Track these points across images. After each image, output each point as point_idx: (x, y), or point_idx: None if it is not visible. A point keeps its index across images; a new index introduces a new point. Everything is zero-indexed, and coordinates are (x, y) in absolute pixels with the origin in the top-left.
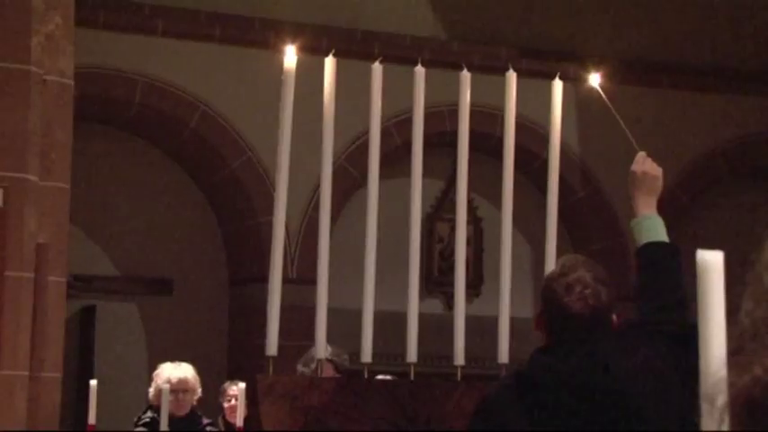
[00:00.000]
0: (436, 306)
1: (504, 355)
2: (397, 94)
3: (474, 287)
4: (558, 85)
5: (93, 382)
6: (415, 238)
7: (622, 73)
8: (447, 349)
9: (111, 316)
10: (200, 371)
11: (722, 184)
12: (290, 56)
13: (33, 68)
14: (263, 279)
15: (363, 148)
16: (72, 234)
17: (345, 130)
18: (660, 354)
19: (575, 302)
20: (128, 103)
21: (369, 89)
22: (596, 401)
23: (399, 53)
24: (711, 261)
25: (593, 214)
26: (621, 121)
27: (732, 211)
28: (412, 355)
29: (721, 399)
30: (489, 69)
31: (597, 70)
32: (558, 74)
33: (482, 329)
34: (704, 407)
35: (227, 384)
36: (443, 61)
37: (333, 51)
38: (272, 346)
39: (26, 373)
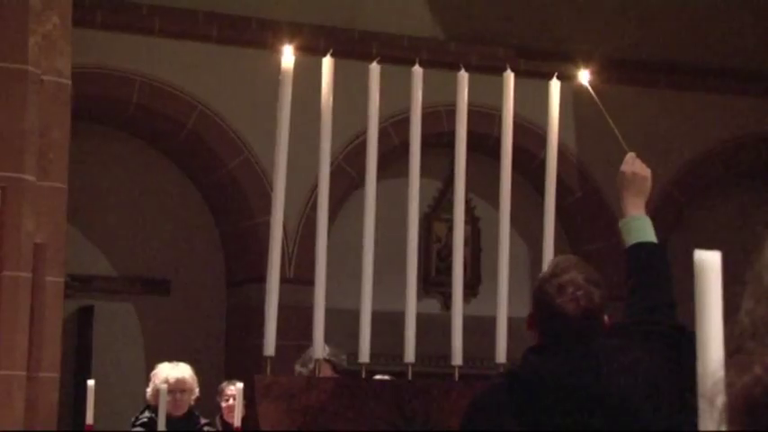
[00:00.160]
0: (434, 306)
1: (501, 355)
2: (395, 94)
3: (471, 287)
4: (555, 86)
5: (91, 382)
6: (412, 239)
7: (620, 73)
8: (445, 349)
9: (108, 316)
10: (197, 371)
11: (719, 184)
12: (288, 56)
13: (31, 68)
14: (261, 279)
15: (361, 149)
16: (69, 234)
17: (343, 131)
18: (651, 354)
19: (567, 304)
20: (125, 102)
21: (366, 89)
22: (588, 402)
23: (397, 53)
24: (709, 261)
25: (590, 214)
26: (611, 120)
27: (729, 211)
28: (410, 355)
29: (720, 399)
30: (487, 69)
31: (594, 70)
32: (556, 74)
33: (480, 329)
34: (703, 407)
35: (224, 384)
36: (441, 61)
37: (330, 51)
38: (269, 347)
39: (24, 373)
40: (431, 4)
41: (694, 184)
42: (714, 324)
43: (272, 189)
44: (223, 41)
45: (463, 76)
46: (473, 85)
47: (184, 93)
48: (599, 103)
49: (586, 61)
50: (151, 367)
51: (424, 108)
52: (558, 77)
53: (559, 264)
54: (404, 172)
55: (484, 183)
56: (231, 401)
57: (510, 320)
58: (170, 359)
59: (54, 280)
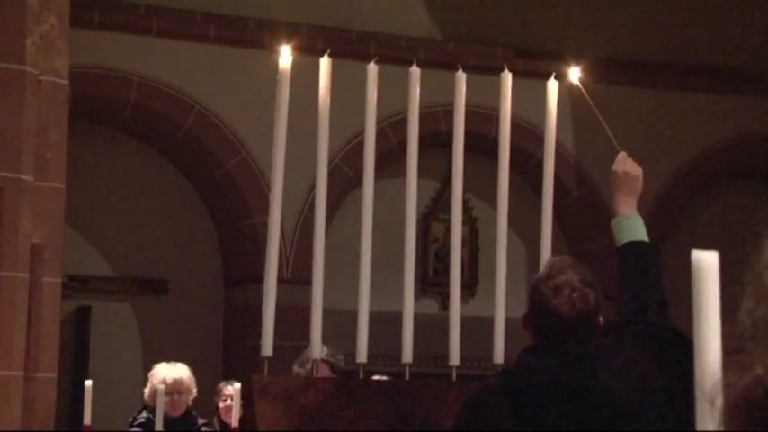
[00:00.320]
0: (431, 306)
1: (499, 356)
2: (393, 94)
3: (469, 287)
4: (553, 86)
5: (89, 383)
6: (410, 239)
7: (618, 73)
8: (442, 349)
9: (106, 316)
10: (195, 371)
11: (718, 184)
12: (286, 56)
13: (28, 69)
14: (259, 279)
15: (359, 149)
16: (67, 234)
17: (341, 131)
18: (644, 354)
19: (563, 305)
20: (123, 103)
21: (364, 89)
22: (583, 402)
23: (395, 53)
24: (706, 261)
25: (587, 214)
26: (602, 119)
27: (728, 212)
28: (407, 355)
29: (720, 399)
30: (485, 70)
31: (585, 68)
32: (554, 74)
33: (477, 330)
34: (703, 407)
35: (222, 384)
36: (439, 62)
37: (328, 52)
38: (267, 347)
39: (21, 373)
40: (428, 4)
41: (693, 183)
42: (712, 324)
43: (269, 189)
44: (221, 42)
45: (461, 76)
46: (471, 85)
47: (182, 93)
48: (590, 102)
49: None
50: (149, 367)
51: (421, 108)
52: (555, 78)
53: (555, 265)
54: (401, 172)
55: (481, 183)
56: (229, 402)
57: (507, 321)
58: (168, 359)
59: (52, 280)
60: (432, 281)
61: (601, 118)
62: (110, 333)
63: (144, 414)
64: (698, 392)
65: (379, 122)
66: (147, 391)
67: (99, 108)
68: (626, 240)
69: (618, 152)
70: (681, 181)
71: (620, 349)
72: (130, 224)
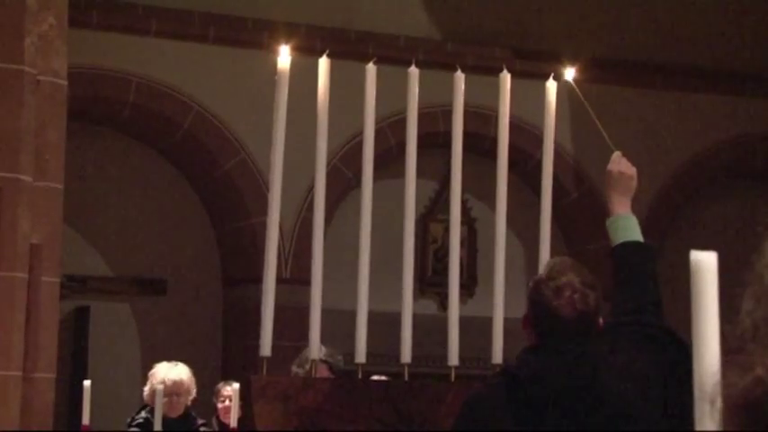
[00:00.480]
0: (430, 307)
1: (498, 356)
2: (392, 94)
3: (468, 288)
4: (551, 86)
5: (87, 383)
6: (408, 239)
7: (617, 74)
8: (441, 350)
9: (104, 316)
10: (193, 371)
11: (716, 184)
12: (284, 56)
13: (27, 69)
14: (257, 279)
15: (357, 149)
16: (65, 234)
17: (339, 131)
18: (643, 355)
19: (564, 307)
20: (121, 103)
21: (363, 90)
22: (584, 402)
23: (393, 54)
24: (705, 261)
25: (586, 215)
26: (596, 118)
27: (726, 212)
28: (406, 355)
29: (720, 400)
30: (483, 70)
31: (580, 68)
32: (552, 75)
33: (476, 330)
34: (702, 408)
35: (220, 385)
36: (437, 62)
37: (327, 52)
38: (265, 347)
39: (20, 373)
40: (427, 4)
41: (691, 184)
42: (711, 325)
43: (268, 189)
44: (219, 42)
45: (460, 76)
46: (469, 85)
47: (181, 93)
48: (584, 101)
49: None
50: (147, 367)
51: (420, 108)
52: (554, 78)
53: (555, 266)
54: (400, 172)
55: (480, 183)
56: (227, 402)
57: (506, 321)
58: (166, 359)
59: (50, 280)
60: (430, 281)
61: (595, 117)
62: (108, 333)
63: (143, 414)
64: (697, 393)
65: (377, 123)
66: (146, 389)
67: (98, 108)
68: (621, 240)
69: (613, 152)
70: (680, 181)
71: (620, 349)
72: (129, 224)
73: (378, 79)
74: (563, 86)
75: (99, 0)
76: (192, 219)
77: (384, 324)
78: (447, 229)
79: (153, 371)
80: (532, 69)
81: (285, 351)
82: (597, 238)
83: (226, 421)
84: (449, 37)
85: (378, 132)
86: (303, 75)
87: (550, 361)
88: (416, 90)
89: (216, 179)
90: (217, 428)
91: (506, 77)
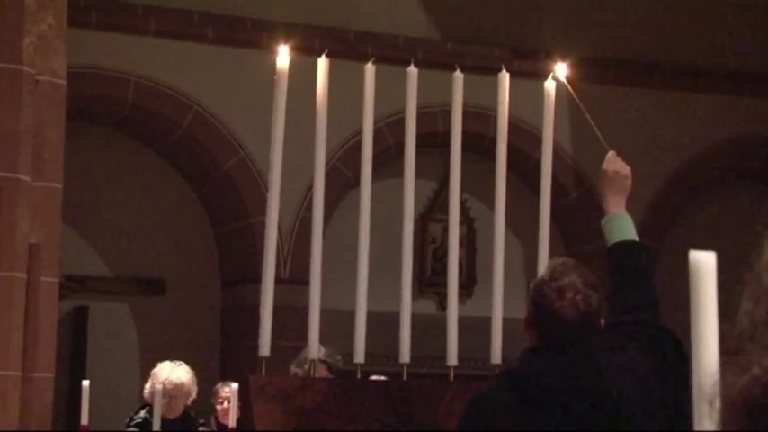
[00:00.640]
0: (429, 307)
1: (496, 356)
2: (390, 94)
3: (466, 288)
4: (550, 86)
5: (86, 383)
6: (407, 239)
7: (616, 74)
8: (440, 350)
9: (103, 316)
10: (193, 371)
11: (715, 184)
12: (283, 56)
13: (25, 68)
14: (256, 279)
15: (356, 149)
16: (64, 234)
17: (338, 131)
18: (643, 355)
19: (566, 308)
20: (120, 103)
21: (362, 89)
22: (587, 402)
23: (392, 54)
24: (704, 262)
25: (585, 215)
26: (591, 119)
27: (725, 212)
28: (405, 355)
29: (718, 400)
30: (482, 70)
31: (571, 65)
32: (551, 75)
33: (475, 330)
34: (701, 408)
35: (219, 386)
36: (436, 62)
37: (326, 52)
38: (264, 347)
39: (18, 373)
40: (426, 4)
41: (690, 184)
42: (709, 325)
43: (267, 189)
44: (218, 42)
45: (458, 76)
46: (468, 85)
47: (180, 93)
48: (577, 100)
49: (582, 62)
50: (146, 367)
51: (419, 108)
52: (553, 78)
53: (557, 267)
54: (399, 172)
55: (479, 183)
56: (225, 405)
57: (505, 321)
58: (165, 359)
59: (49, 280)
60: (429, 281)
61: (588, 116)
62: (107, 333)
63: (142, 414)
64: (696, 393)
65: (376, 122)
66: (147, 387)
67: (96, 108)
68: (617, 239)
69: (607, 151)
70: (679, 181)
71: (621, 350)
72: (128, 224)
73: (376, 79)
74: (562, 86)
75: (98, 0)
76: (190, 218)
77: (383, 324)
78: (446, 229)
79: (155, 370)
80: (531, 69)
81: (284, 351)
82: (596, 238)
83: (224, 422)
84: (448, 37)
85: (377, 132)
86: (302, 74)
87: (554, 361)
88: (415, 90)
89: (215, 179)
90: (215, 429)
91: (505, 77)
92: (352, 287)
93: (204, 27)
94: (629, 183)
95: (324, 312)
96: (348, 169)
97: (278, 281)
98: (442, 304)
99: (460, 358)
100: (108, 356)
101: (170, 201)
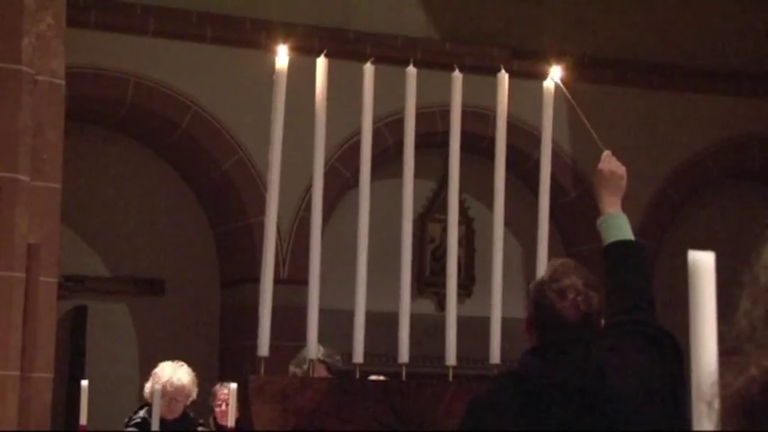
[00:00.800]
0: (428, 306)
1: (495, 356)
2: (389, 94)
3: (465, 287)
4: (549, 87)
5: (85, 383)
6: (406, 239)
7: (615, 74)
8: (439, 350)
9: (102, 316)
10: (193, 372)
11: (713, 184)
12: (282, 56)
13: (24, 68)
14: (255, 279)
15: (355, 149)
16: (63, 234)
17: (337, 131)
18: (642, 355)
19: (568, 309)
20: (119, 103)
21: (360, 90)
22: (589, 402)
23: (391, 53)
24: (703, 262)
25: (584, 215)
26: (585, 119)
27: (724, 212)
28: (404, 355)
29: (717, 400)
30: (481, 70)
31: (567, 66)
32: (550, 75)
33: (474, 330)
34: (700, 408)
35: (217, 387)
36: (435, 62)
37: (324, 52)
38: (263, 347)
39: (17, 373)
40: (425, 4)
41: (689, 184)
42: (708, 325)
43: (266, 189)
44: (217, 42)
45: (457, 76)
46: (467, 85)
47: (178, 93)
48: (570, 99)
49: (581, 62)
50: (145, 367)
51: (418, 108)
52: (560, 80)
53: (558, 268)
54: (398, 172)
55: (478, 183)
56: (224, 407)
57: (504, 321)
58: (164, 359)
59: (48, 280)
60: (428, 281)
61: (583, 116)
62: (106, 333)
63: (140, 414)
64: (694, 393)
65: (375, 122)
66: (147, 387)
67: (95, 108)
68: (613, 239)
69: (602, 151)
70: (678, 181)
71: (620, 350)
72: (127, 224)
73: (375, 79)
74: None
75: (97, 0)
76: (189, 219)
77: (382, 324)
78: (445, 229)
79: (156, 370)
80: (530, 69)
81: (283, 351)
82: (595, 238)
83: (223, 423)
84: (447, 37)
85: (376, 132)
86: (301, 74)
87: (555, 362)
88: (414, 90)
89: (214, 179)
90: (214, 430)
91: (504, 77)
92: (351, 287)
93: (203, 27)
94: (624, 182)
95: (323, 312)
96: (347, 169)
97: (277, 281)
98: (441, 304)
99: (459, 358)
100: (107, 356)
101: (169, 201)
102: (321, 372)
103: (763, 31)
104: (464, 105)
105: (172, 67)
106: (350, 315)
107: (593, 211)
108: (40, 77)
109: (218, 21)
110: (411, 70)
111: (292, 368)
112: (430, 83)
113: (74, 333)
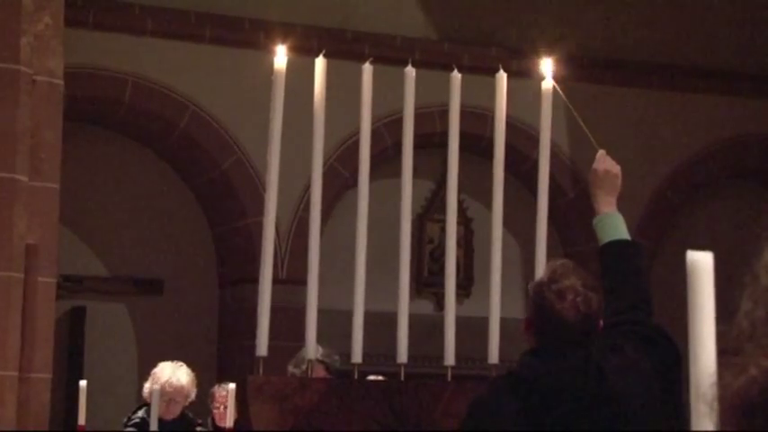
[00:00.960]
0: (426, 307)
1: (494, 356)
2: (388, 94)
3: (464, 288)
4: (547, 87)
5: (83, 383)
6: (405, 239)
7: (614, 74)
8: (437, 350)
9: (100, 317)
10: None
11: (713, 185)
12: (281, 56)
13: (23, 68)
14: (254, 280)
15: (354, 149)
16: (62, 234)
17: (336, 131)
18: (641, 355)
19: (567, 310)
20: (117, 103)
21: (359, 90)
22: (588, 402)
23: (390, 54)
24: (701, 262)
25: (582, 215)
26: (578, 117)
27: (723, 213)
28: (402, 355)
29: (716, 400)
30: (480, 70)
31: (559, 61)
32: (541, 68)
33: (472, 330)
34: (699, 408)
35: (215, 388)
36: (434, 62)
37: (323, 52)
38: (262, 347)
39: (16, 373)
40: (424, 4)
41: (688, 184)
42: (707, 325)
43: (264, 189)
44: (215, 42)
45: (456, 76)
46: (466, 85)
47: (177, 93)
48: (564, 98)
49: (580, 62)
50: (144, 367)
51: (416, 108)
52: (552, 77)
53: (557, 269)
54: (396, 172)
55: (476, 183)
56: (222, 409)
57: (502, 321)
58: (162, 360)
59: (46, 280)
60: (427, 281)
61: (576, 113)
62: (104, 333)
63: (139, 414)
64: (693, 393)
65: (374, 122)
66: (146, 387)
67: (94, 108)
68: (609, 239)
69: (597, 150)
70: (677, 181)
71: (620, 350)
72: (125, 224)
73: (374, 79)
74: (559, 86)
75: (95, 0)
76: (188, 219)
77: (380, 324)
78: (443, 229)
79: (156, 370)
80: (529, 70)
81: (282, 351)
82: (593, 239)
83: (221, 425)
84: (445, 37)
85: (374, 132)
86: (299, 74)
87: (555, 363)
88: (413, 90)
89: (212, 179)
90: (212, 429)
91: (503, 77)
92: (349, 287)
93: (201, 27)
94: (619, 182)
95: (321, 312)
96: (346, 169)
97: (275, 281)
98: (440, 304)
99: (458, 358)
100: (105, 357)
101: (167, 201)
102: (320, 372)
103: (762, 31)
104: (463, 105)
105: (170, 67)
106: (348, 315)
107: (592, 211)
108: (38, 77)
109: (216, 21)
110: (410, 70)
111: (291, 368)
112: (428, 83)
113: (72, 333)
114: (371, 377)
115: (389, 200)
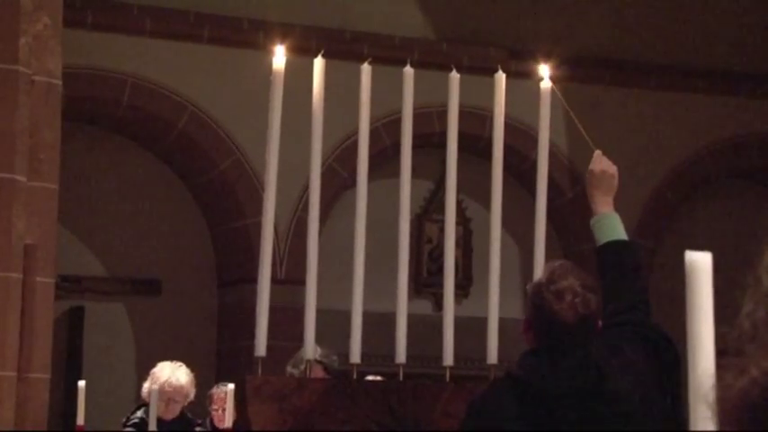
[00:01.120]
0: (425, 307)
1: (492, 356)
2: (387, 94)
3: (463, 288)
4: (546, 87)
5: (82, 383)
6: (404, 239)
7: (612, 74)
8: (436, 350)
9: (99, 317)
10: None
11: (711, 185)
12: (279, 56)
13: (21, 69)
14: (252, 280)
15: (352, 149)
16: (60, 235)
17: (334, 131)
18: (639, 355)
19: (565, 311)
20: (116, 103)
21: (358, 90)
22: (589, 403)
23: (388, 54)
24: (700, 262)
25: (581, 215)
26: (575, 118)
27: (722, 213)
28: (401, 355)
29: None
30: (479, 70)
31: (557, 65)
32: (548, 75)
33: (471, 330)
34: (699, 408)
35: (214, 390)
36: (433, 62)
37: (322, 52)
38: (260, 347)
39: (14, 373)
40: (422, 4)
41: (687, 184)
42: (705, 325)
43: (263, 189)
44: (214, 42)
45: (455, 76)
46: (465, 85)
47: (175, 93)
48: (561, 98)
49: (579, 62)
50: (142, 368)
51: (415, 109)
52: (549, 79)
53: (556, 270)
54: (395, 173)
55: (475, 184)
56: (220, 412)
57: (501, 321)
58: (161, 360)
59: (45, 281)
60: (425, 281)
61: (575, 117)
62: (103, 333)
63: (138, 414)
64: (692, 394)
65: (373, 123)
66: (145, 387)
67: (92, 108)
68: (607, 239)
69: (593, 151)
70: (676, 181)
71: (619, 351)
72: (124, 224)
73: (373, 79)
74: (559, 87)
75: (94, 0)
76: (186, 219)
77: (379, 324)
78: (442, 230)
79: (155, 370)
80: (528, 70)
81: (280, 351)
82: (592, 239)
83: (220, 426)
84: (444, 37)
85: (373, 132)
86: (298, 75)
87: (554, 364)
88: (411, 90)
89: (211, 179)
90: (211, 429)
91: (501, 78)
92: (348, 287)
93: (200, 27)
94: (616, 182)
95: (320, 312)
96: (344, 169)
97: (274, 281)
98: (439, 304)
99: (457, 358)
100: (104, 357)
101: (166, 201)
102: (318, 372)
103: (761, 32)
104: (461, 106)
105: (169, 67)
106: (347, 315)
107: (590, 211)
108: (36, 78)
109: (215, 21)
110: (408, 70)
111: (289, 368)
112: (427, 83)
113: (71, 333)
114: (370, 377)
115: (388, 200)
